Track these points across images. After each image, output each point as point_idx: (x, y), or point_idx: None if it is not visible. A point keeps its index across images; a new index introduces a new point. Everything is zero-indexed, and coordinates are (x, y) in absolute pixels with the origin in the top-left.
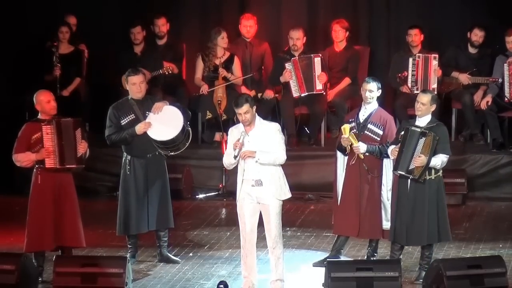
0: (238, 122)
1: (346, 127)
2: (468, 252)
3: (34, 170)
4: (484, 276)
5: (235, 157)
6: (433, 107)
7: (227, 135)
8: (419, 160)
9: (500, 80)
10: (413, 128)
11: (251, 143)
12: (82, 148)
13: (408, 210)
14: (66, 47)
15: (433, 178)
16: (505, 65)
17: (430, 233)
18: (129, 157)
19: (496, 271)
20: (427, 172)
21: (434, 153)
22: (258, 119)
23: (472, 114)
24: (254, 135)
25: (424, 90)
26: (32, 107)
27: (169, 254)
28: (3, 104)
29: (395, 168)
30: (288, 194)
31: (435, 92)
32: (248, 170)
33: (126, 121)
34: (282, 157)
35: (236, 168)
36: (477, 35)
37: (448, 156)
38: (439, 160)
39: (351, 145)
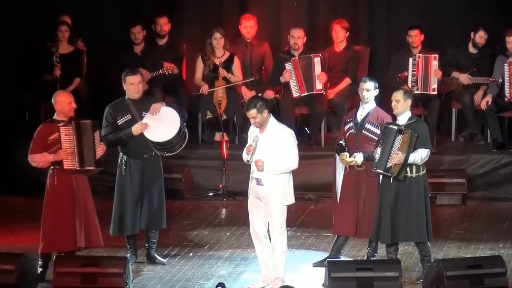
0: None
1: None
2: (468, 252)
3: (50, 171)
4: (484, 276)
5: (248, 161)
6: (409, 102)
7: (227, 135)
8: (396, 157)
9: (500, 80)
10: (391, 126)
11: (260, 145)
12: (101, 150)
13: (390, 208)
14: (66, 47)
15: (414, 176)
16: (505, 65)
17: (414, 231)
18: (125, 157)
19: (496, 271)
20: (408, 169)
21: (414, 149)
22: (273, 122)
23: (472, 114)
24: (263, 138)
25: (396, 89)
26: (32, 107)
27: (156, 255)
28: (3, 104)
29: (374, 167)
30: (290, 200)
31: (435, 92)
32: (254, 168)
33: (123, 121)
34: (294, 165)
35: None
36: (482, 37)
37: (428, 150)
38: (419, 155)
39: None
